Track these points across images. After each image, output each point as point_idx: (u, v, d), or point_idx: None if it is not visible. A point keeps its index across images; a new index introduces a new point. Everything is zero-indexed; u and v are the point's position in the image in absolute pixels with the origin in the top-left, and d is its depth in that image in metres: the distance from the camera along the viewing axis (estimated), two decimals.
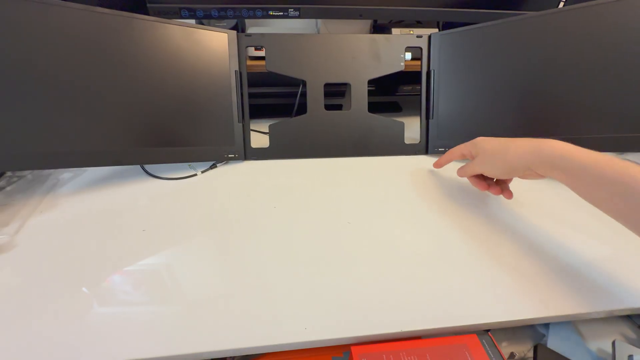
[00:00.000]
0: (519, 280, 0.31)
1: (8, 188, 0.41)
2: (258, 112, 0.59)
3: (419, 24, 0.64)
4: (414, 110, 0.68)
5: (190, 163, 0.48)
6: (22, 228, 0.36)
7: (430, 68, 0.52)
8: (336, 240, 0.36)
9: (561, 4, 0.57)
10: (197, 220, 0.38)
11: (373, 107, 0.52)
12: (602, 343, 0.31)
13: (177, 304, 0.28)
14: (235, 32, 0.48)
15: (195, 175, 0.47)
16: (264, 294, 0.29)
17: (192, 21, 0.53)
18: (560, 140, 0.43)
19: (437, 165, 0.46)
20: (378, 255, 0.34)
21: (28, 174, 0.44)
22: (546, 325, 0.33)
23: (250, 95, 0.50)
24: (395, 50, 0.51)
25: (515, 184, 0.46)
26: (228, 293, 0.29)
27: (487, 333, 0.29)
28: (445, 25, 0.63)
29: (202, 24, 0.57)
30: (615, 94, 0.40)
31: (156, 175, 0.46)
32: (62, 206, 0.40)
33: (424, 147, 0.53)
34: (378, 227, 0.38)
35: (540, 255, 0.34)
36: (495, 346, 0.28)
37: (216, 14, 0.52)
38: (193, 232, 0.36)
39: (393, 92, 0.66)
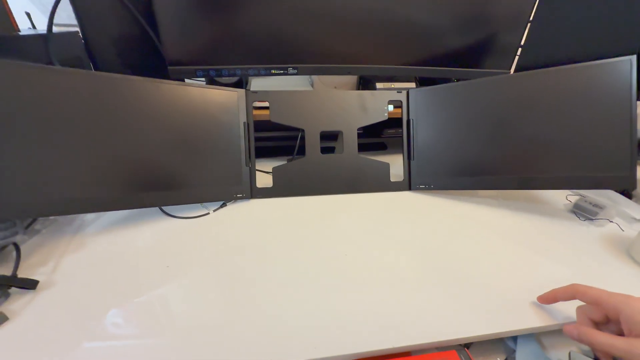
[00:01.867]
0: (490, 299, 0.38)
1: (43, 230, 0.46)
2: (261, 152, 0.67)
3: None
4: (398, 148, 0.77)
5: (203, 203, 0.54)
6: (58, 267, 0.40)
7: (410, 117, 0.61)
8: (335, 270, 0.42)
9: (513, 68, 0.69)
10: (213, 255, 0.43)
11: (362, 147, 0.60)
12: (561, 354, 0.38)
13: (200, 329, 0.33)
14: (244, 90, 0.56)
15: (208, 214, 0.52)
16: (276, 319, 0.35)
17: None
18: (519, 178, 0.52)
19: (543, 300, 0.37)
20: (372, 281, 0.40)
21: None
22: (515, 341, 0.39)
23: (255, 139, 0.57)
24: (379, 103, 0.60)
25: (487, 215, 0.54)
26: (245, 318, 0.35)
27: (464, 349, 0.35)
28: (421, 79, 0.74)
29: (213, 80, 0.66)
30: (563, 140, 0.49)
31: (173, 214, 0.51)
32: (90, 245, 0.44)
33: (407, 184, 0.61)
34: (370, 256, 0.44)
35: (509, 275, 0.41)
36: None
37: (226, 74, 0.61)
38: (211, 266, 0.42)
39: (379, 134, 0.75)
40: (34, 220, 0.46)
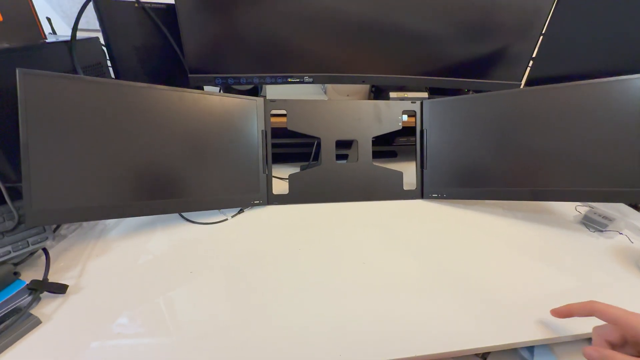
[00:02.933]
0: (505, 309, 0.39)
1: (69, 235, 0.47)
2: (276, 158, 0.68)
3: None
4: (408, 156, 0.78)
5: (221, 209, 0.55)
6: (84, 272, 0.42)
7: (423, 127, 0.62)
8: (351, 278, 0.43)
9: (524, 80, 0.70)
10: (232, 261, 0.45)
11: (373, 154, 0.61)
12: None
13: (220, 333, 0.34)
14: (262, 98, 0.57)
15: (226, 220, 0.54)
16: (294, 325, 0.36)
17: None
18: (532, 190, 0.53)
19: (557, 314, 0.37)
20: (388, 290, 0.41)
21: None
22: (529, 350, 0.41)
23: (272, 145, 0.58)
24: (394, 113, 0.62)
25: (499, 225, 0.55)
26: (263, 323, 0.36)
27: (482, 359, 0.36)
28: (432, 89, 0.76)
29: (229, 87, 0.67)
30: (576, 154, 0.50)
31: (192, 220, 0.52)
32: (114, 250, 0.46)
33: (420, 193, 0.63)
34: (387, 265, 0.45)
35: (521, 285, 0.42)
36: None
37: (244, 81, 0.62)
38: (230, 272, 0.43)
39: (391, 142, 0.76)
40: (59, 225, 0.47)
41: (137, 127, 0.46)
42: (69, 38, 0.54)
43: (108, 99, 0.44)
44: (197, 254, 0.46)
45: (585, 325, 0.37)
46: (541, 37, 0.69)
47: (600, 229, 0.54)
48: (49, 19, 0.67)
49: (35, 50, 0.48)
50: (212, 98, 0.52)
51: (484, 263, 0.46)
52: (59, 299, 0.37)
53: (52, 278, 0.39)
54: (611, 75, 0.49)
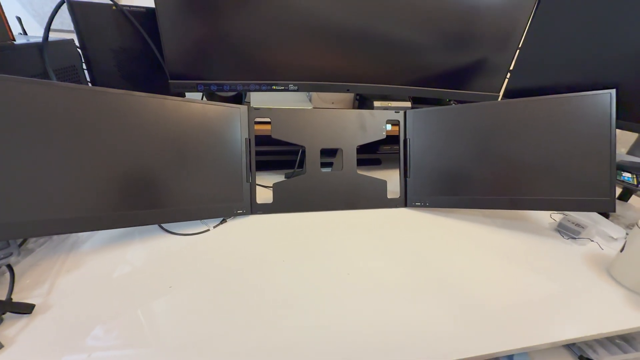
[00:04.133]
0: (484, 317, 0.40)
1: (37, 249, 0.44)
2: (260, 166, 0.67)
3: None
4: (392, 163, 0.79)
5: (202, 220, 0.54)
6: (53, 288, 0.39)
7: (407, 137, 0.63)
8: (335, 289, 0.42)
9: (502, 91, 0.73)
10: (213, 273, 0.43)
11: (358, 162, 0.61)
12: None
13: (200, 348, 0.33)
14: (246, 106, 0.56)
15: (208, 230, 0.52)
16: (275, 337, 0.35)
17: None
18: (510, 199, 0.55)
19: None
20: (374, 301, 0.41)
21: None
22: (510, 358, 0.42)
23: (256, 153, 0.57)
24: (378, 123, 0.62)
25: (479, 232, 0.56)
26: (245, 335, 0.35)
27: None
28: (415, 99, 0.77)
29: (212, 94, 0.66)
30: (549, 164, 0.52)
31: (172, 231, 0.51)
32: (86, 264, 0.43)
33: (403, 201, 0.63)
34: (371, 275, 0.45)
35: (500, 292, 0.43)
36: None
37: (227, 88, 0.61)
38: (211, 284, 0.41)
39: (375, 150, 0.77)
40: (26, 239, 0.44)
41: (113, 135, 0.44)
42: (40, 39, 0.52)
43: (81, 106, 0.42)
44: (177, 267, 0.44)
45: (561, 333, 0.39)
46: (518, 50, 0.72)
47: (574, 236, 0.56)
48: (18, 19, 0.64)
49: (2, 52, 0.45)
50: (193, 106, 0.51)
51: (464, 270, 0.47)
52: (24, 320, 0.35)
53: (17, 297, 0.37)
54: (582, 89, 0.52)
